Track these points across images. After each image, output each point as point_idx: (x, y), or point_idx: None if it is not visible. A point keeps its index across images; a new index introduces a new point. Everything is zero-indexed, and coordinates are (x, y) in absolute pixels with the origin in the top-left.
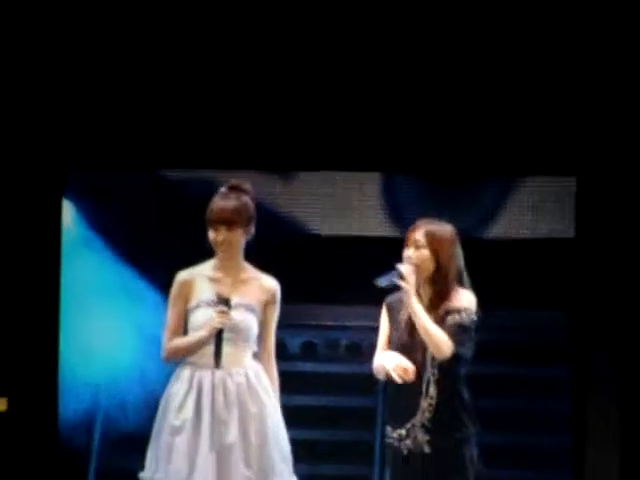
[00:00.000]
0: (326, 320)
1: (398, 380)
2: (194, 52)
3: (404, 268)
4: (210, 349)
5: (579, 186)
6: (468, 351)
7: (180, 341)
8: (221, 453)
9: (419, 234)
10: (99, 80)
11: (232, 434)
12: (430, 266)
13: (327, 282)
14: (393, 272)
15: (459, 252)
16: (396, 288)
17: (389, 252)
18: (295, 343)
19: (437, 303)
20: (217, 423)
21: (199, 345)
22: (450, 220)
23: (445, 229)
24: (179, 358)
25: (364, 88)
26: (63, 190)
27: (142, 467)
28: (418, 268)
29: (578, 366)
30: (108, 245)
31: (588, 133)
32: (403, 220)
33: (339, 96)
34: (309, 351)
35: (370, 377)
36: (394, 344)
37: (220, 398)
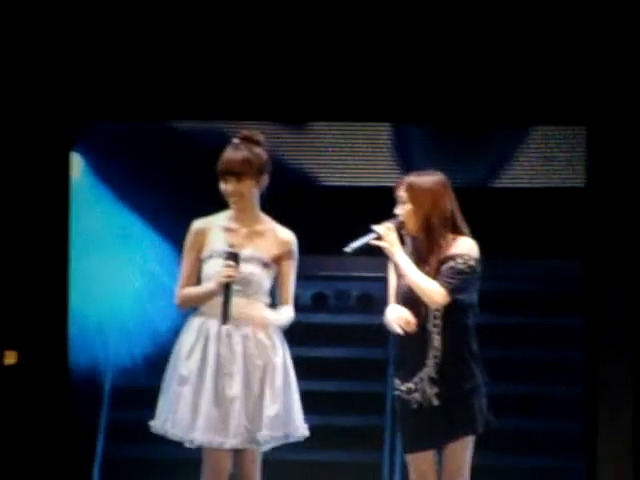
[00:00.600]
0: (336, 271)
1: (399, 331)
2: (202, 2)
3: (380, 228)
4: (220, 300)
5: (589, 135)
6: (468, 297)
7: (191, 290)
8: (223, 405)
9: (402, 190)
10: (108, 33)
11: (235, 386)
12: (417, 219)
13: (337, 233)
14: (368, 235)
15: (447, 199)
16: (368, 250)
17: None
18: (306, 295)
19: (430, 254)
20: (221, 374)
21: (208, 296)
22: (460, 170)
23: (426, 179)
24: (189, 306)
25: (374, 38)
26: (72, 141)
27: (153, 416)
28: (406, 223)
29: (591, 315)
30: (117, 196)
31: (598, 82)
32: (414, 170)
33: (349, 46)
34: (320, 302)
35: (381, 328)
36: (399, 296)
37: (225, 350)
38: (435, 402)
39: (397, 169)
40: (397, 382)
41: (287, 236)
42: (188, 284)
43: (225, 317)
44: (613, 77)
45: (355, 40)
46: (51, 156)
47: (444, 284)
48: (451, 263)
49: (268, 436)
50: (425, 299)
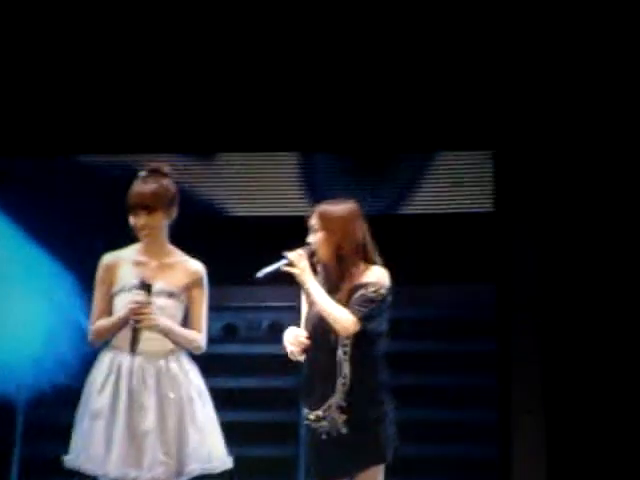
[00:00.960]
0: (247, 301)
1: (293, 351)
2: (114, 37)
3: (292, 255)
4: (129, 334)
5: (496, 159)
6: (377, 326)
7: (103, 322)
8: (136, 439)
9: (314, 219)
10: (11, 64)
11: (149, 420)
12: (328, 247)
13: (246, 263)
14: (280, 261)
15: (357, 228)
16: (279, 276)
17: (306, 231)
18: (216, 326)
19: (342, 282)
20: (134, 409)
21: (120, 325)
22: (368, 197)
23: (337, 208)
24: (103, 339)
25: (277, 67)
26: None
27: (67, 451)
28: (318, 251)
29: (503, 339)
30: (25, 234)
31: (504, 106)
32: (321, 199)
33: (254, 76)
34: (231, 333)
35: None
36: (309, 323)
37: (137, 383)
38: (343, 430)
39: (305, 198)
40: (305, 410)
41: (196, 267)
42: (100, 318)
43: (134, 345)
44: (518, 101)
45: (259, 69)
46: None
47: (354, 312)
48: (362, 291)
49: (193, 469)
50: (335, 326)
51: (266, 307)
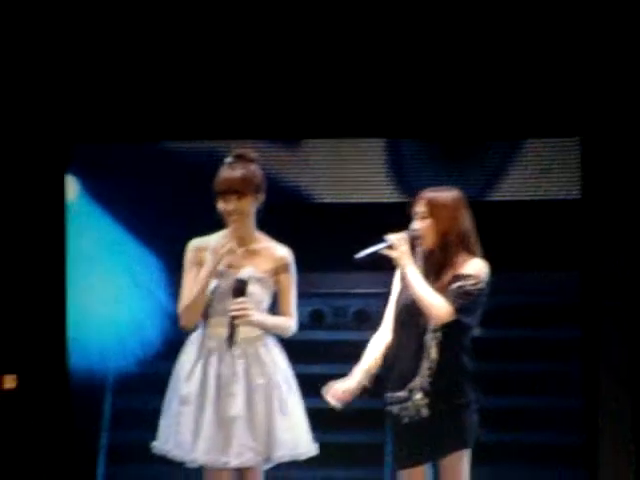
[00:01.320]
0: (333, 288)
1: (336, 404)
2: (194, 21)
3: (393, 238)
4: (222, 320)
5: (583, 146)
6: (472, 320)
7: (186, 299)
8: (225, 425)
9: (421, 205)
10: (100, 52)
11: (238, 406)
12: (434, 235)
13: (334, 250)
14: (380, 244)
15: (464, 217)
16: (377, 258)
17: (395, 218)
18: (303, 312)
19: (442, 270)
20: (222, 395)
21: (200, 300)
22: (455, 184)
23: (446, 196)
24: (192, 321)
25: (366, 54)
26: (67, 165)
27: (155, 437)
28: (423, 238)
29: (589, 327)
30: (113, 219)
31: (591, 93)
32: (408, 186)
33: (341, 62)
34: (318, 319)
35: None
36: (400, 305)
37: (226, 370)
38: (425, 413)
39: (392, 185)
40: (388, 395)
41: (283, 252)
42: None
43: (231, 341)
44: (606, 87)
45: (347, 55)
46: (46, 179)
47: (451, 302)
48: (461, 282)
49: (281, 455)
50: (429, 313)
51: (353, 294)
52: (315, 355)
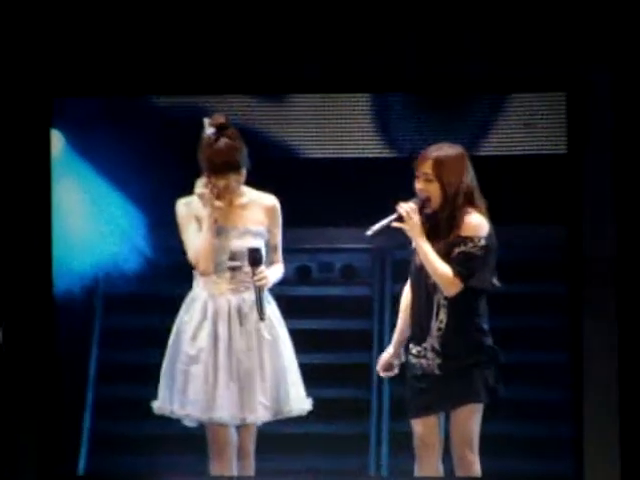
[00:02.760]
0: (320, 243)
1: (385, 375)
2: None
3: (403, 210)
4: (221, 276)
5: (569, 101)
6: (480, 282)
7: (196, 246)
8: (241, 382)
9: (427, 166)
10: (82, 4)
11: (250, 361)
12: (441, 197)
13: (319, 205)
14: (390, 217)
15: (468, 171)
16: (389, 229)
17: (380, 173)
18: (290, 268)
19: (449, 229)
20: (235, 352)
21: (209, 244)
22: (440, 139)
23: (451, 154)
24: (208, 259)
25: (348, 7)
26: (50, 119)
27: (155, 396)
28: (432, 200)
29: (574, 282)
30: (97, 172)
31: (576, 47)
32: (395, 141)
33: (325, 16)
34: (304, 275)
35: (365, 300)
36: (414, 265)
37: (237, 327)
38: (437, 372)
39: (377, 139)
40: (411, 345)
41: (271, 201)
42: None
43: (262, 313)
44: (591, 41)
45: (329, 9)
46: (30, 134)
47: (456, 272)
48: (461, 248)
49: (289, 410)
50: (439, 285)
51: (340, 249)
52: (302, 311)
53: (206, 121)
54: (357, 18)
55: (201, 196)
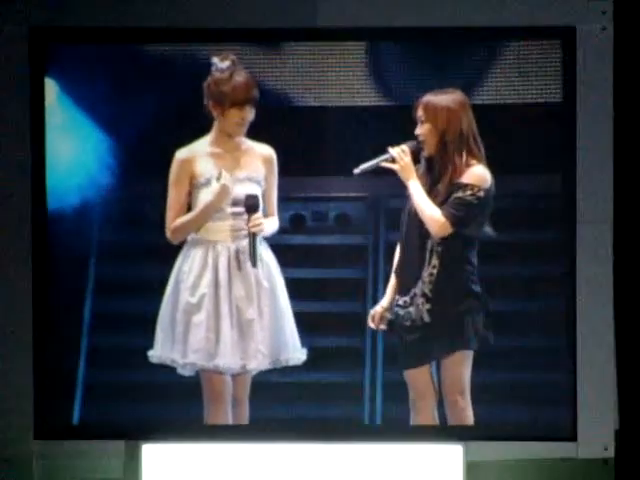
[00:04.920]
0: (314, 192)
1: (376, 327)
2: None
3: (394, 151)
4: (221, 225)
5: (564, 49)
6: (471, 230)
7: (185, 218)
8: (242, 329)
9: (420, 109)
10: None
11: (251, 309)
12: (434, 138)
13: (312, 154)
14: (381, 156)
15: (463, 118)
16: (378, 170)
17: (375, 121)
18: (284, 217)
19: (443, 175)
20: (236, 299)
21: (202, 221)
22: (437, 87)
23: (442, 97)
24: (184, 236)
25: None
26: (44, 67)
27: (151, 345)
28: (425, 143)
29: (570, 230)
30: (92, 121)
31: None
32: (389, 89)
33: None
34: (298, 224)
35: (360, 248)
36: (406, 212)
37: (237, 274)
38: (427, 318)
39: (372, 88)
40: (397, 297)
41: (268, 150)
42: (179, 215)
43: (254, 260)
44: None
45: None
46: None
47: (448, 215)
48: (459, 193)
49: (286, 359)
50: (428, 227)
51: (334, 198)
52: (296, 259)
53: (216, 59)
54: None
55: (211, 154)
